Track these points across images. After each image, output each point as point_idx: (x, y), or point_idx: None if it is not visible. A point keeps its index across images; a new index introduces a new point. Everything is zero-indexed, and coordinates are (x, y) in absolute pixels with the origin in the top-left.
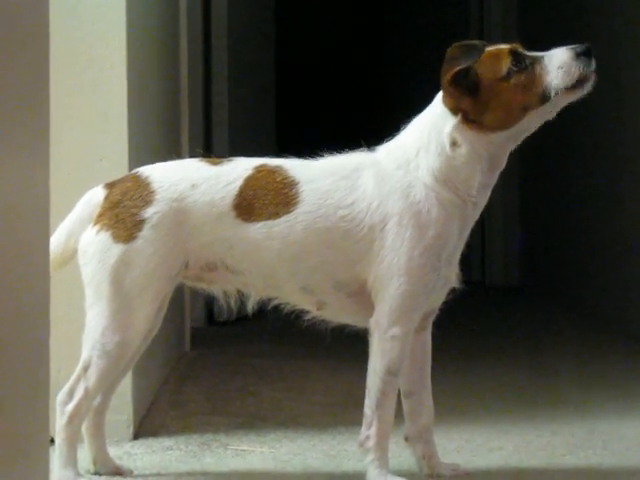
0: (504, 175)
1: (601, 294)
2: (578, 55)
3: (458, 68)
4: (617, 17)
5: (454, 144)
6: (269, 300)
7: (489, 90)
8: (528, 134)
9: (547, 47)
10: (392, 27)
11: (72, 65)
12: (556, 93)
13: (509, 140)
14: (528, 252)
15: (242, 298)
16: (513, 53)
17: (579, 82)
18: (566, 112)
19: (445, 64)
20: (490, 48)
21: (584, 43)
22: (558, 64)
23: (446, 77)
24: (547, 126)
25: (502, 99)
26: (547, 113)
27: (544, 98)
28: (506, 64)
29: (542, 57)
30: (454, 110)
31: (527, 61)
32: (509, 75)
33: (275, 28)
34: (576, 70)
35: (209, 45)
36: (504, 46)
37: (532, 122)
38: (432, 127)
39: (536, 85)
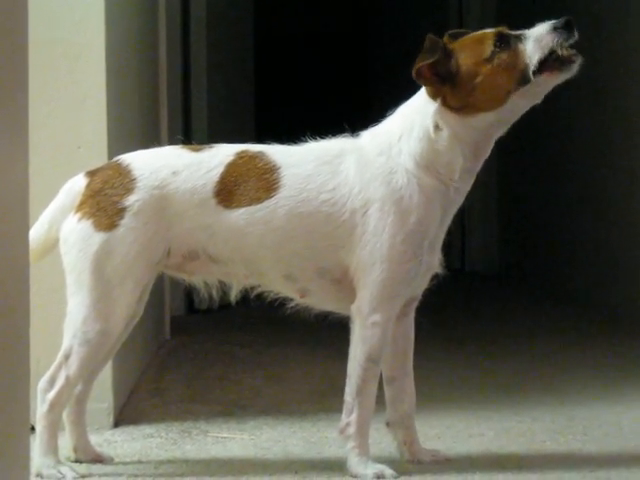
0: (483, 163)
1: (580, 281)
2: (555, 28)
3: (419, 64)
4: (599, 4)
5: (437, 127)
6: (252, 288)
7: (471, 74)
8: (513, 120)
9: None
10: (375, 11)
11: (50, 52)
12: (534, 69)
13: (492, 126)
14: (507, 239)
15: (224, 288)
16: (498, 35)
17: (562, 62)
18: (547, 100)
19: (418, 56)
20: (475, 33)
21: (565, 17)
22: (534, 38)
23: (413, 70)
24: (527, 113)
25: (486, 80)
26: (531, 95)
27: (525, 76)
28: (489, 46)
29: (524, 34)
30: (432, 95)
31: (511, 41)
32: (492, 56)
33: (254, 11)
34: (549, 41)
35: (188, 33)
36: (489, 30)
37: (516, 106)
38: (416, 112)
39: (518, 63)
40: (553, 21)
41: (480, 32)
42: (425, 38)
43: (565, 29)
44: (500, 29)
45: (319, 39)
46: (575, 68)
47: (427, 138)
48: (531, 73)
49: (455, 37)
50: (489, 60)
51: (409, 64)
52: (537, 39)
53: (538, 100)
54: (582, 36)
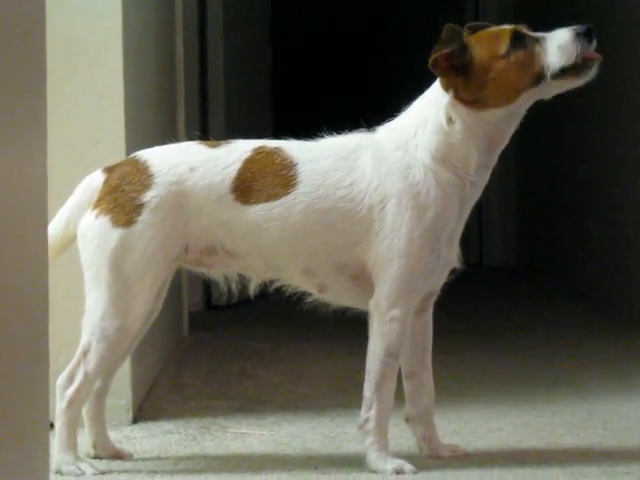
0: (501, 156)
1: (598, 275)
2: (578, 35)
3: (436, 54)
4: (617, 4)
5: (449, 120)
6: (271, 283)
7: (484, 69)
8: (523, 114)
9: (542, 24)
10: (391, 9)
11: (68, 49)
12: (553, 73)
13: (505, 120)
14: (525, 234)
15: (243, 281)
16: (515, 32)
17: (579, 68)
18: (562, 94)
19: (435, 46)
20: (492, 28)
21: (586, 23)
22: (557, 44)
23: (430, 59)
24: (544, 108)
25: (499, 77)
26: (542, 95)
27: (540, 78)
28: (506, 43)
29: (543, 37)
30: (445, 87)
31: (527, 40)
32: (508, 53)
33: (271, 9)
34: (574, 50)
35: (205, 28)
36: (507, 26)
37: (526, 102)
38: (430, 105)
39: (534, 64)
40: (575, 27)
41: (498, 27)
42: (443, 28)
43: (586, 36)
44: (517, 27)
45: (335, 37)
46: (591, 73)
47: (442, 131)
48: (549, 75)
49: (474, 30)
50: (504, 57)
51: (425, 62)
52: (561, 46)
53: (547, 98)
54: (599, 37)
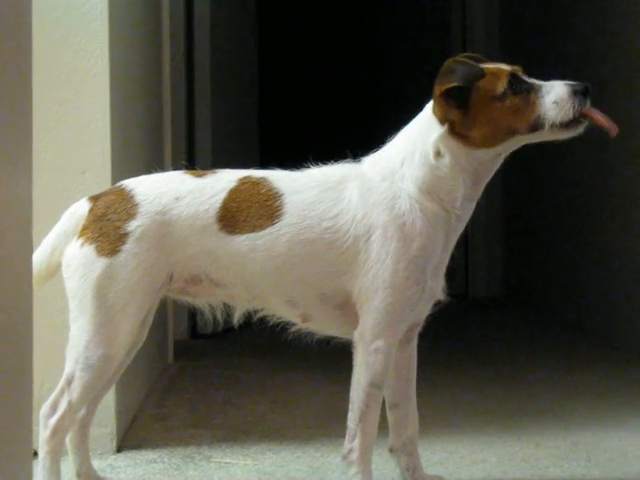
0: (487, 188)
1: (583, 306)
2: (575, 93)
3: (453, 84)
4: (598, 21)
5: (438, 154)
6: (255, 312)
7: (480, 107)
8: (510, 152)
9: (528, 54)
10: (384, 37)
11: (54, 77)
12: (550, 126)
13: (493, 159)
14: (511, 265)
15: (228, 310)
16: (513, 75)
17: (571, 122)
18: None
19: (442, 75)
20: (489, 66)
21: (583, 83)
22: (554, 98)
23: (439, 89)
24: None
25: (492, 118)
26: (531, 140)
27: (534, 127)
28: (503, 85)
29: (540, 86)
30: (442, 120)
31: (524, 86)
32: (504, 96)
33: (258, 38)
34: (570, 108)
35: (192, 57)
36: (505, 67)
37: (516, 145)
38: (418, 136)
39: (528, 112)
40: (572, 83)
41: (495, 66)
42: (458, 60)
43: (583, 94)
44: (515, 69)
45: (323, 63)
46: (580, 129)
47: (428, 164)
48: (547, 127)
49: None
50: (500, 99)
51: (414, 88)
52: (557, 100)
53: (534, 142)
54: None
